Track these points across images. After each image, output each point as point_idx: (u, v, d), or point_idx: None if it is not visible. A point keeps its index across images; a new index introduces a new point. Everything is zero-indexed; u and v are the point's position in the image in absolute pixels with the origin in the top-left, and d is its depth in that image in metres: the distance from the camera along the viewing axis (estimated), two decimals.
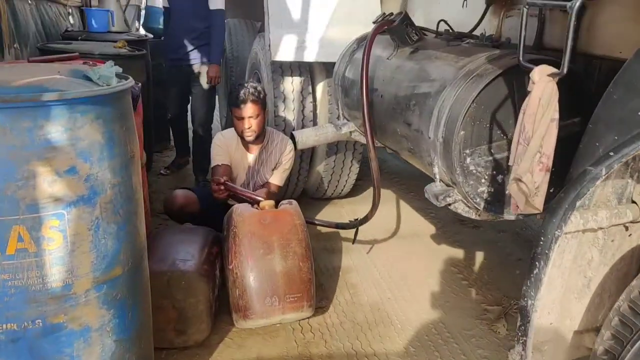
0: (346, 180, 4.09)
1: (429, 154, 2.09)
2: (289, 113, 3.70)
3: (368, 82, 2.46)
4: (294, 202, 2.56)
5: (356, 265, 3.22)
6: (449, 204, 2.06)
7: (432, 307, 2.78)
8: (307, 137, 3.44)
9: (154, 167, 4.79)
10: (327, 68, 3.75)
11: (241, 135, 3.08)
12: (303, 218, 2.47)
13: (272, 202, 2.49)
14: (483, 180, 1.92)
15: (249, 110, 2.97)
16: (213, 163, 3.15)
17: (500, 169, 1.92)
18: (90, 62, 3.18)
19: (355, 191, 4.29)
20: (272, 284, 2.28)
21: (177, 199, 3.03)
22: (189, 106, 4.66)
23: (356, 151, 3.91)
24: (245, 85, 3.04)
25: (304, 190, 4.10)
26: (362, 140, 3.18)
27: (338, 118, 3.46)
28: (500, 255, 3.39)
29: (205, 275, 2.28)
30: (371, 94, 2.53)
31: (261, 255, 2.29)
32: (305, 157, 3.83)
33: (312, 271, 2.38)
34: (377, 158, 2.57)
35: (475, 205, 1.95)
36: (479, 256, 3.39)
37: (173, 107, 4.60)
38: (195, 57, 4.31)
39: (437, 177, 2.07)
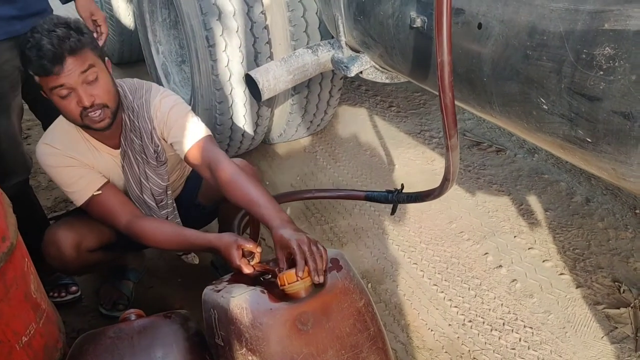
0: (322, 119, 2.86)
1: None
2: (231, 38, 2.29)
3: None
4: (340, 254, 1.36)
5: (386, 264, 2.16)
6: None
7: (527, 324, 1.85)
8: (275, 78, 2.13)
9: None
10: None
11: (85, 125, 1.53)
12: (366, 289, 1.31)
13: (306, 282, 1.24)
14: None
15: (76, 69, 1.42)
16: (78, 197, 1.62)
17: None
18: None
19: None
20: None
21: (62, 240, 1.66)
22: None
23: (336, 76, 2.64)
24: (40, 29, 1.42)
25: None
26: (379, 79, 1.94)
27: (333, 44, 2.10)
28: (562, 199, 2.47)
29: None
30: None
31: None
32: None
33: None
34: (458, 143, 1.41)
35: None
36: (534, 204, 2.45)
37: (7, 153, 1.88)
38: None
39: None
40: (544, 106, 1.16)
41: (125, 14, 3.81)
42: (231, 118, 2.47)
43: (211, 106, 2.45)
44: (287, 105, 2.65)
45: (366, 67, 1.84)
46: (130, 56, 4.08)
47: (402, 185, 1.76)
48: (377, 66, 1.84)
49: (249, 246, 1.41)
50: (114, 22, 3.87)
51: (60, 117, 1.62)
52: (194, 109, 2.61)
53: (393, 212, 1.82)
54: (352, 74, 1.83)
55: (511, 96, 1.24)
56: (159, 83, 3.04)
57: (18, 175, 1.98)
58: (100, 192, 1.62)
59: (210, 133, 1.66)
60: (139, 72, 4.01)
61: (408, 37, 1.49)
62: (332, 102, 2.74)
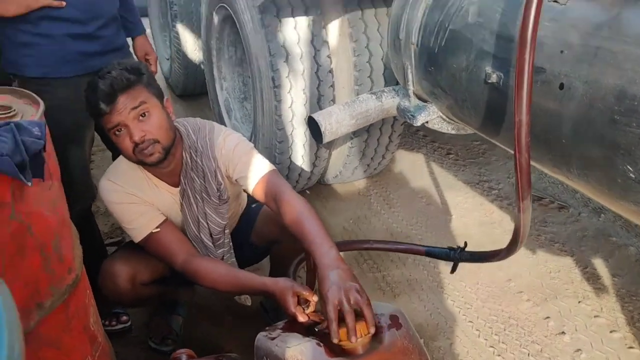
0: (379, 163, 2.84)
1: None
2: (297, 80, 2.32)
3: (532, 54, 1.16)
4: (399, 311, 1.31)
5: (440, 320, 2.08)
6: None
7: None
8: (337, 122, 2.12)
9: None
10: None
11: (139, 161, 1.56)
12: (425, 350, 1.25)
13: (363, 338, 1.20)
14: None
15: (127, 106, 1.47)
16: (137, 234, 1.65)
17: None
18: None
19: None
20: None
21: (118, 273, 1.69)
22: None
23: (397, 122, 2.62)
24: (100, 73, 1.49)
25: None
26: (445, 130, 1.91)
27: (403, 93, 2.07)
28: (631, 264, 2.32)
29: None
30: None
31: None
32: None
33: None
34: (531, 205, 1.35)
35: None
36: (601, 268, 2.31)
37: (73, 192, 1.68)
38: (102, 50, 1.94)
39: None
40: (631, 174, 1.09)
41: (193, 49, 3.94)
42: (290, 157, 2.48)
43: (271, 145, 2.47)
44: (345, 148, 2.65)
45: (433, 117, 1.81)
46: (193, 89, 4.21)
47: (465, 243, 1.70)
48: (444, 117, 1.81)
49: (305, 294, 1.38)
50: (181, 56, 4.01)
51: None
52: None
53: (453, 270, 1.75)
54: (419, 124, 1.81)
55: (593, 161, 1.18)
56: (221, 118, 3.10)
57: (84, 202, 2.04)
58: (158, 229, 1.64)
59: (275, 167, 1.66)
60: (201, 105, 4.12)
61: (482, 91, 1.45)
62: (391, 147, 2.71)
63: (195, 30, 3.79)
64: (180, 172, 1.69)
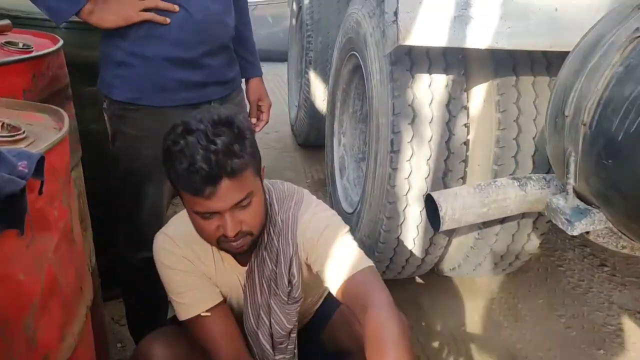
0: (510, 263, 2.28)
1: None
2: (421, 148, 1.91)
3: None
4: None
5: None
6: None
7: None
8: (463, 208, 1.66)
9: None
10: (497, 59, 1.92)
11: (219, 248, 1.25)
12: None
13: None
14: None
15: (230, 197, 1.12)
16: (183, 311, 1.33)
17: None
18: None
19: None
20: None
21: (155, 357, 1.33)
22: None
23: (542, 218, 2.07)
24: (196, 129, 1.10)
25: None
26: (614, 247, 1.36)
27: (561, 189, 1.58)
28: None
29: None
30: None
31: None
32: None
33: None
34: None
35: None
36: None
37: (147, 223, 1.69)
38: (219, 80, 1.71)
39: None
40: None
41: (321, 99, 3.72)
42: (398, 238, 2.05)
43: (378, 219, 2.06)
44: (469, 238, 2.14)
45: (598, 227, 1.29)
46: (315, 140, 3.97)
47: None
48: (616, 230, 1.28)
49: None
50: (308, 104, 3.81)
51: None
52: (357, 216, 2.26)
53: None
54: (576, 233, 1.29)
55: None
56: (332, 175, 2.77)
57: (151, 250, 1.78)
58: (209, 314, 1.30)
59: (372, 264, 1.24)
60: (319, 158, 3.85)
61: None
62: (529, 247, 2.16)
63: (326, 79, 3.56)
64: (256, 248, 1.33)
